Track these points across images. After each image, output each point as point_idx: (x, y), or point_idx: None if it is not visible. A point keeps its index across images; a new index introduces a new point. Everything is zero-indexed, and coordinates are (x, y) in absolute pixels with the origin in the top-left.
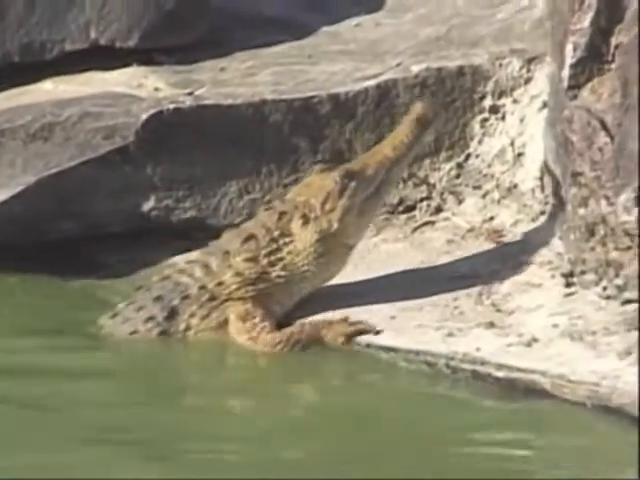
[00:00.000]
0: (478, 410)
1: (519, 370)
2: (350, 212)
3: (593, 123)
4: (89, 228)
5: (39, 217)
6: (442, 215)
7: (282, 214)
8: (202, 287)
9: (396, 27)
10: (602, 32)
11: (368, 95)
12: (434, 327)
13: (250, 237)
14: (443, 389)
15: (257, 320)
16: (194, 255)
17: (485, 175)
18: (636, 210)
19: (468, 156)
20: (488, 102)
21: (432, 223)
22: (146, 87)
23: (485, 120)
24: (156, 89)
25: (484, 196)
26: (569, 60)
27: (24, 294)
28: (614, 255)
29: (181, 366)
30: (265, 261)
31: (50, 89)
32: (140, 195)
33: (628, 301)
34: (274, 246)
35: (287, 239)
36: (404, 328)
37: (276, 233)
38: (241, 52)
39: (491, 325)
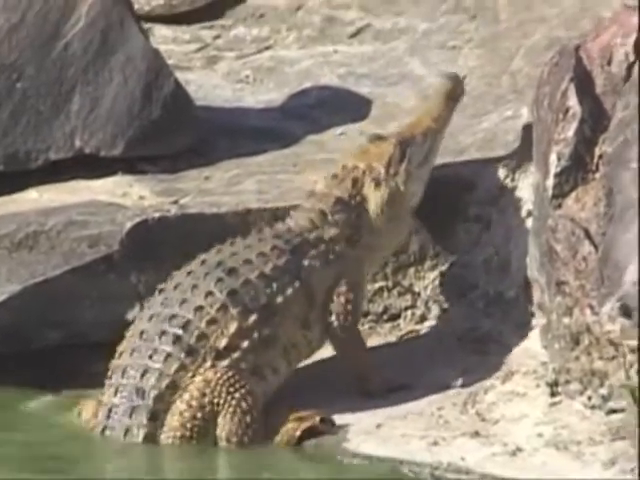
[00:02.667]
0: None
1: None
2: (411, 176)
3: (577, 232)
4: (74, 337)
5: (23, 326)
6: (427, 324)
7: (355, 180)
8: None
9: None
10: (586, 142)
11: None
12: (419, 436)
13: (339, 200)
14: None
15: None
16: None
17: (470, 284)
18: (620, 320)
19: (453, 265)
20: (473, 211)
21: (417, 332)
22: (131, 196)
23: (470, 229)
24: (141, 198)
25: (469, 305)
26: (553, 169)
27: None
28: (599, 365)
29: None
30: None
31: (35, 198)
32: (125, 303)
33: (613, 411)
34: (359, 209)
35: (364, 204)
36: (389, 437)
37: (358, 198)
38: (226, 161)
39: (476, 434)
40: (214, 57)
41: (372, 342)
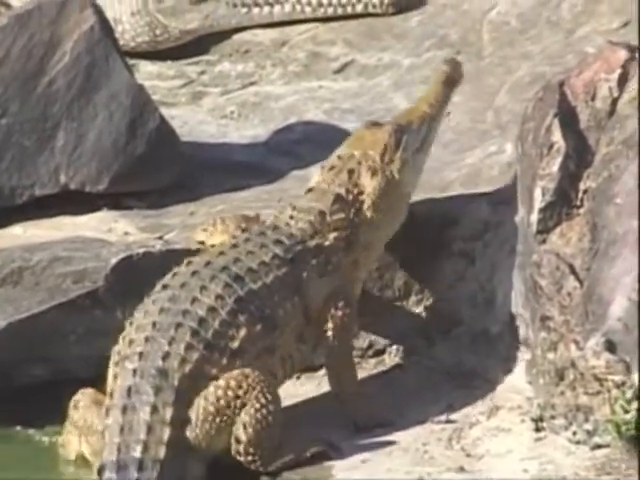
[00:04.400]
0: None
1: None
2: (407, 164)
3: (562, 267)
4: (59, 373)
5: (8, 362)
6: (412, 359)
7: (350, 171)
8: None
9: None
10: (571, 177)
11: None
12: (404, 471)
13: (338, 198)
14: None
15: None
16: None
17: (455, 319)
18: (605, 355)
19: (438, 300)
20: (458, 246)
21: (402, 367)
22: (116, 231)
23: (455, 264)
24: (126, 233)
25: (454, 340)
26: (538, 204)
27: None
28: (584, 400)
29: None
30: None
31: (20, 234)
32: (110, 339)
33: (598, 446)
34: (357, 204)
35: (361, 197)
36: (374, 472)
37: (355, 190)
38: (211, 197)
39: (461, 470)
40: (199, 93)
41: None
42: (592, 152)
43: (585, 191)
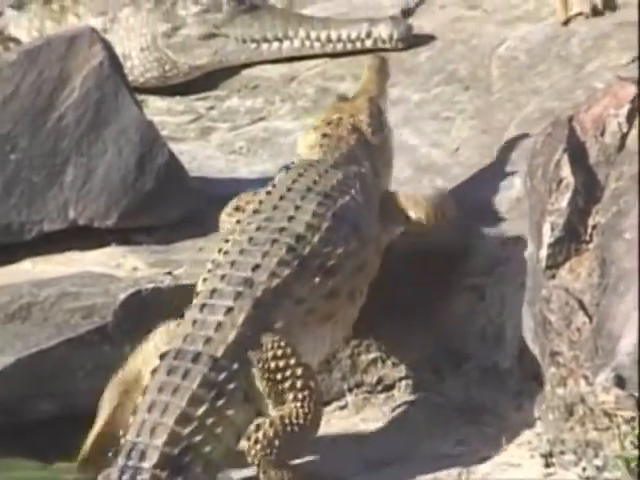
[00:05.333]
0: None
1: None
2: (387, 127)
3: (571, 303)
4: (67, 408)
5: (16, 397)
6: (421, 394)
7: (354, 127)
8: None
9: None
10: (580, 212)
11: None
12: None
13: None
14: None
15: None
16: None
17: (465, 354)
18: (615, 390)
19: (448, 335)
20: (468, 281)
21: (412, 402)
22: (124, 267)
23: (464, 299)
24: (134, 269)
25: (464, 375)
26: (547, 240)
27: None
28: (593, 435)
29: None
30: None
31: (28, 269)
32: None
33: None
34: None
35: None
36: None
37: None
38: (219, 232)
39: None
40: (208, 128)
41: (366, 413)
42: (601, 187)
43: (594, 226)
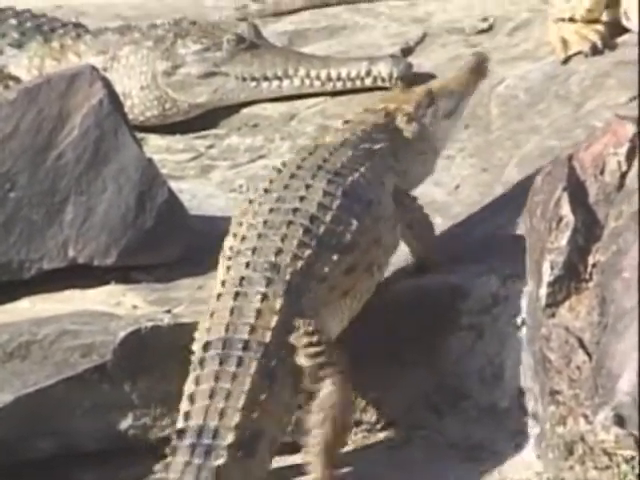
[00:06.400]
0: None
1: None
2: (437, 120)
3: (571, 341)
4: (66, 447)
5: (15, 436)
6: (420, 433)
7: (387, 113)
8: None
9: None
10: (579, 250)
11: None
12: None
13: (376, 125)
14: None
15: None
16: None
17: (463, 393)
18: (615, 429)
19: (446, 374)
20: (466, 320)
21: (410, 441)
22: (124, 305)
23: (463, 338)
24: (134, 307)
25: (462, 414)
26: (547, 278)
27: None
28: (593, 474)
29: None
30: None
31: (28, 307)
32: (118, 413)
33: None
34: (393, 135)
35: (398, 132)
36: None
37: (391, 126)
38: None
39: None
40: (208, 166)
41: (365, 452)
42: (601, 226)
43: (594, 265)
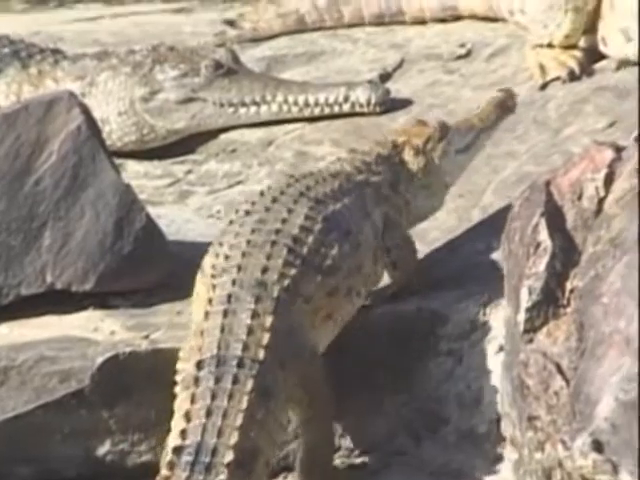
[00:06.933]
0: None
1: None
2: (448, 155)
3: (549, 367)
4: (44, 472)
5: None
6: (399, 458)
7: (395, 145)
8: None
9: None
10: (557, 276)
11: None
12: None
13: (379, 155)
14: None
15: None
16: None
17: (442, 418)
18: (592, 455)
19: (425, 399)
20: (445, 345)
21: (389, 466)
22: (102, 330)
23: (442, 363)
24: (112, 332)
25: (441, 439)
26: (524, 304)
27: None
28: None
29: None
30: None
31: (6, 333)
32: (95, 439)
33: None
34: (396, 168)
35: (403, 165)
36: None
37: (397, 159)
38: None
39: None
40: (186, 192)
41: (345, 475)
42: (579, 251)
43: (572, 290)
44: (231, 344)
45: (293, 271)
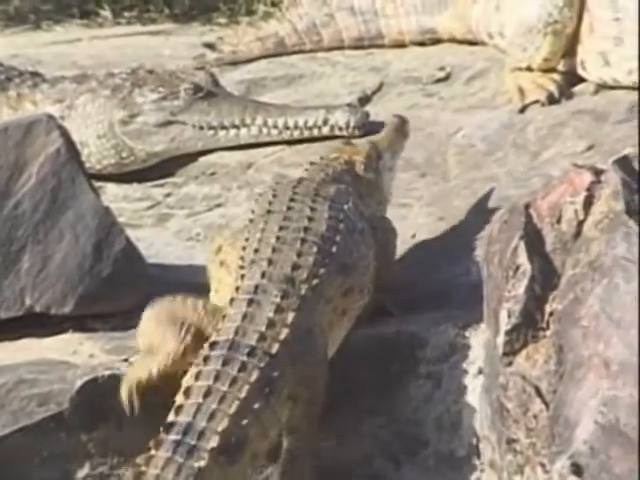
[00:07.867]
0: None
1: None
2: (385, 172)
3: (528, 390)
4: None
5: None
6: None
7: (346, 161)
8: None
9: None
10: (536, 299)
11: None
12: None
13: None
14: None
15: None
16: None
17: (421, 441)
18: (572, 478)
19: (404, 422)
20: (424, 368)
21: None
22: (81, 354)
23: (421, 386)
24: (91, 355)
25: (420, 463)
26: (504, 327)
27: None
28: None
29: None
30: None
31: None
32: (74, 462)
33: None
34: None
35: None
36: None
37: (353, 172)
38: None
39: None
40: (165, 215)
41: None
42: (558, 274)
43: (551, 313)
44: (248, 332)
45: (322, 270)
